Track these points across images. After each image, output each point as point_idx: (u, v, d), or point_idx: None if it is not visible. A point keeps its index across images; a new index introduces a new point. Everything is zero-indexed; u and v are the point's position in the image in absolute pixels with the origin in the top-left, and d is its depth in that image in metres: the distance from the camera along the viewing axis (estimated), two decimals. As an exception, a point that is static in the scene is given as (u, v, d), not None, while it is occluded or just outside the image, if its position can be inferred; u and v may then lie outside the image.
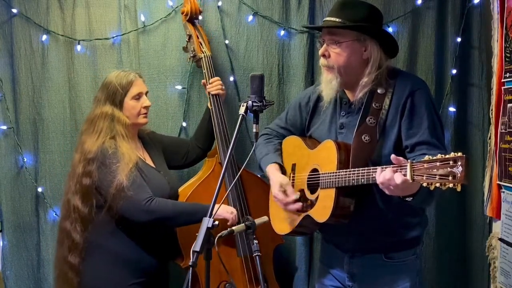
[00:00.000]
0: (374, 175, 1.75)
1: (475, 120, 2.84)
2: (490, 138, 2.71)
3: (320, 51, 2.04)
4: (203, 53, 2.66)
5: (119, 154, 2.24)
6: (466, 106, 2.86)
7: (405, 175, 1.62)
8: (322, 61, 2.04)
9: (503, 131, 2.54)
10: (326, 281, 2.21)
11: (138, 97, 2.37)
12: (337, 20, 1.97)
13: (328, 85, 2.04)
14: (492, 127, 2.67)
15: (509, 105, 2.50)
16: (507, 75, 2.53)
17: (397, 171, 1.66)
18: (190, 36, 2.69)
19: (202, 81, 2.67)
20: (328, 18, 2.01)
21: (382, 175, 1.69)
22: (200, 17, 2.83)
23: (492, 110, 2.68)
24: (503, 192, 2.56)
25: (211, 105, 2.61)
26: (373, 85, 1.99)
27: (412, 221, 2.03)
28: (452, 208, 2.87)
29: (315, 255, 2.84)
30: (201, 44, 2.68)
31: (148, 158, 2.46)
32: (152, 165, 2.44)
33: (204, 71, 2.65)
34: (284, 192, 2.09)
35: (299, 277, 2.89)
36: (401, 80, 2.00)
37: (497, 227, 2.66)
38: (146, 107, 2.40)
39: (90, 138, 2.29)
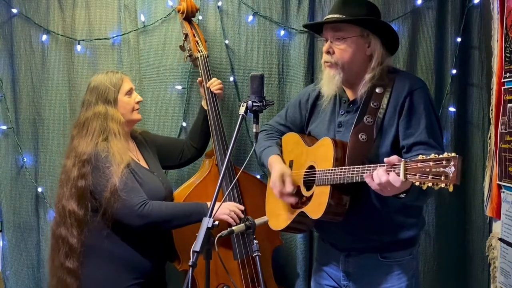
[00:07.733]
0: (368, 174, 1.75)
1: (475, 120, 2.84)
2: (490, 138, 2.71)
3: (324, 48, 2.03)
4: (199, 52, 2.64)
5: (111, 157, 2.21)
6: (466, 106, 2.86)
7: (398, 173, 1.63)
8: (325, 57, 2.03)
9: (503, 131, 2.54)
10: (321, 280, 2.21)
11: (130, 93, 2.37)
12: (341, 16, 1.98)
13: (331, 81, 2.03)
14: (492, 127, 2.67)
15: (509, 105, 2.50)
16: (507, 75, 2.53)
17: (391, 171, 1.66)
18: (186, 35, 2.67)
19: (198, 79, 2.66)
20: (330, 16, 2.02)
21: (378, 178, 1.69)
22: (200, 17, 2.83)
23: (492, 110, 2.68)
24: (503, 192, 2.56)
25: (207, 105, 2.60)
26: (373, 83, 1.99)
27: (407, 221, 2.03)
28: (452, 208, 2.87)
29: (315, 255, 2.84)
30: (197, 43, 2.66)
31: (142, 159, 2.43)
32: (146, 166, 2.41)
33: (200, 70, 2.63)
34: (283, 182, 2.09)
35: (300, 278, 2.89)
36: (400, 79, 1.99)
37: (497, 227, 2.66)
38: (139, 103, 2.40)
39: (83, 140, 2.26)
